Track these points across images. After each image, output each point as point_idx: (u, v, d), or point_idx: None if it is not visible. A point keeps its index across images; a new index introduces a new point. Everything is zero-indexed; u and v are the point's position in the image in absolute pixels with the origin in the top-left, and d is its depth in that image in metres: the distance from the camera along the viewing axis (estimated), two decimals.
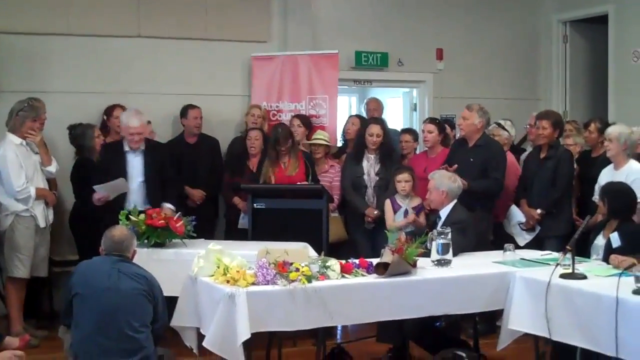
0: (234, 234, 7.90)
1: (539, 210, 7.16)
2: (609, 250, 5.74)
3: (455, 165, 6.96)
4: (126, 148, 7.26)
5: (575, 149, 7.76)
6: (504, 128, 8.00)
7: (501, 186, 7.22)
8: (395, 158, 7.77)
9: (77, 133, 7.70)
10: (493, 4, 10.53)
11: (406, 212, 7.17)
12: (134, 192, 7.20)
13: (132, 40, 8.76)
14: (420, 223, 7.03)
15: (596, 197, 6.58)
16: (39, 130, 7.19)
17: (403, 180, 7.16)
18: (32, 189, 6.96)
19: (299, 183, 7.56)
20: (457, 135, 8.63)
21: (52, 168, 7.34)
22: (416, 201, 7.20)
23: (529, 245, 7.05)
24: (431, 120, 8.13)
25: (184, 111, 8.53)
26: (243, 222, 7.93)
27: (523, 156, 8.07)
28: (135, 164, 7.25)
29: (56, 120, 7.70)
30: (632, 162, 6.74)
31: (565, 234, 7.02)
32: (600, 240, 6.00)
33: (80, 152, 7.68)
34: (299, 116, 8.50)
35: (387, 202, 7.28)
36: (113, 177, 7.06)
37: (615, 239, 5.77)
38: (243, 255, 5.33)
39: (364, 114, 9.36)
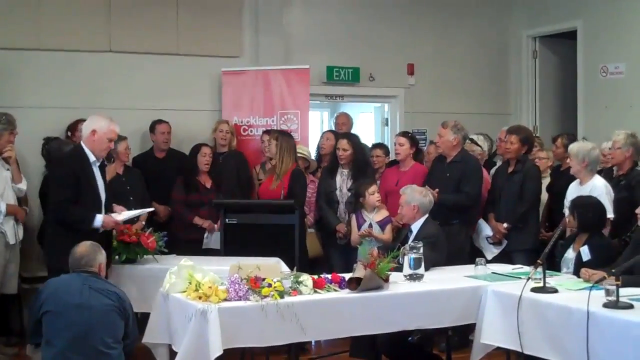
0: (197, 252, 7.56)
1: (505, 225, 7.21)
2: (579, 264, 5.79)
3: (437, 190, 6.96)
4: (92, 158, 6.14)
5: (547, 163, 7.84)
6: (476, 143, 8.05)
7: (473, 200, 7.26)
8: (369, 174, 7.76)
9: (53, 147, 7.57)
10: (463, 20, 10.62)
11: (371, 227, 7.19)
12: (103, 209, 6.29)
13: (103, 55, 8.74)
14: (380, 238, 7.06)
15: (566, 211, 6.63)
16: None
17: (376, 192, 7.20)
18: (2, 205, 6.89)
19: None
20: (425, 150, 8.67)
21: (23, 185, 7.28)
22: (381, 215, 7.21)
23: (496, 259, 7.08)
24: (403, 133, 8.17)
25: (152, 126, 8.54)
26: (207, 241, 7.82)
27: (492, 171, 8.12)
28: (99, 176, 6.25)
29: (26, 136, 7.62)
30: (596, 178, 6.79)
31: (531, 248, 7.08)
32: (570, 254, 6.05)
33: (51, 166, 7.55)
34: (269, 131, 8.38)
35: (353, 218, 7.33)
36: (87, 192, 6.07)
37: (586, 253, 5.83)
38: (215, 270, 5.32)
39: (334, 129, 9.38)
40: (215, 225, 7.72)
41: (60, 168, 6.25)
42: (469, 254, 6.33)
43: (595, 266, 5.51)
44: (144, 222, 7.45)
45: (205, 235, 7.84)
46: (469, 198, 7.22)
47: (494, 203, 7.41)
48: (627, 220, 6.64)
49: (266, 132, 8.42)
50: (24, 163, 7.80)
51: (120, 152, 7.75)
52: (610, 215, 6.50)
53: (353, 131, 9.07)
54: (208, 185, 7.90)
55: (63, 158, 6.52)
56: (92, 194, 6.08)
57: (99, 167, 6.21)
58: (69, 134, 8.17)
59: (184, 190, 7.88)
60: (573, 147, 6.89)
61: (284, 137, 7.77)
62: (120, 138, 7.78)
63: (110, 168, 7.62)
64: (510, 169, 7.36)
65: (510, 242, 7.26)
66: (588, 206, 6.06)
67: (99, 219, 5.98)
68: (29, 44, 8.39)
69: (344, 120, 9.39)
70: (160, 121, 8.52)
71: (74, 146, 6.49)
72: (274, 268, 5.44)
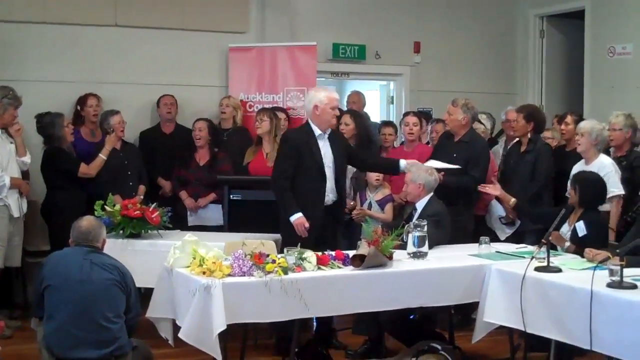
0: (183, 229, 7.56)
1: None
2: (575, 239, 5.81)
3: (443, 173, 6.90)
4: (318, 132, 6.35)
5: (552, 143, 7.78)
6: (479, 121, 8.00)
7: (477, 183, 7.07)
8: (373, 151, 7.74)
9: (46, 122, 7.51)
10: None
11: (370, 205, 7.19)
12: (328, 180, 6.35)
13: (109, 29, 8.70)
14: (377, 217, 7.07)
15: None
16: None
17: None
18: (6, 178, 6.89)
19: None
20: (430, 129, 8.61)
21: (27, 159, 7.30)
22: (382, 194, 7.21)
23: (509, 239, 7.05)
24: (414, 113, 8.15)
25: (159, 100, 8.58)
26: (192, 218, 7.89)
27: (494, 149, 8.07)
28: (327, 148, 6.37)
29: (30, 109, 7.60)
30: (603, 157, 6.78)
31: (545, 227, 7.04)
32: (565, 228, 6.03)
33: (49, 141, 7.52)
34: (263, 110, 8.13)
35: (357, 195, 7.36)
36: (310, 166, 6.24)
37: (581, 228, 5.85)
38: (219, 246, 5.33)
39: (346, 107, 9.35)
40: (202, 200, 7.84)
41: (284, 144, 6.47)
42: (474, 234, 6.30)
43: (591, 241, 5.56)
44: (142, 197, 7.46)
45: (189, 212, 7.89)
46: (475, 181, 7.05)
47: (505, 183, 7.34)
48: (629, 200, 6.67)
49: (260, 110, 8.21)
50: (27, 137, 7.79)
51: (114, 126, 7.69)
52: (621, 192, 6.52)
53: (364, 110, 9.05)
54: (203, 161, 7.92)
55: (289, 134, 6.74)
56: (316, 167, 6.28)
57: (330, 137, 6.41)
58: (78, 107, 8.19)
59: (178, 165, 8.04)
60: (586, 125, 6.85)
61: (277, 116, 7.84)
62: (114, 112, 7.78)
63: (111, 138, 7.62)
64: (522, 149, 7.30)
65: (523, 222, 7.19)
66: (589, 181, 6.08)
67: (296, 217, 6.12)
68: (34, 17, 8.36)
69: (355, 99, 9.40)
70: (165, 95, 8.60)
71: (305, 123, 6.58)
72: (270, 247, 5.48)
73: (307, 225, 6.10)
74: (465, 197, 7.11)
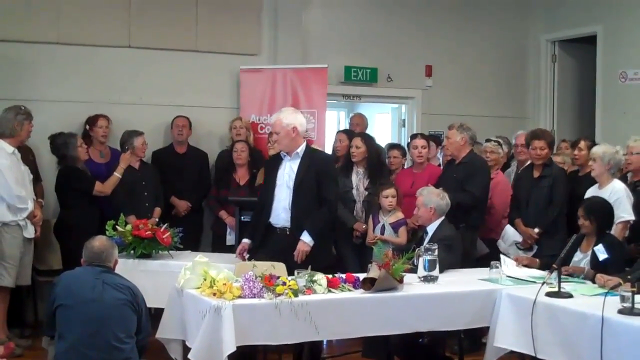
0: (221, 248, 7.81)
1: (537, 229, 7.10)
2: (595, 263, 5.79)
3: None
4: (282, 153, 6.41)
5: (563, 168, 7.77)
6: (500, 145, 8.02)
7: (476, 200, 7.16)
8: (385, 174, 7.76)
9: (60, 143, 7.57)
10: (482, 23, 10.60)
11: (383, 228, 7.19)
12: (280, 201, 6.32)
13: (122, 51, 8.74)
14: (392, 241, 7.05)
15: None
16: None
17: (390, 196, 7.18)
18: (30, 204, 6.92)
19: None
20: (441, 153, 8.64)
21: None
22: (395, 217, 7.20)
23: (527, 265, 6.99)
24: (422, 135, 8.16)
25: (173, 121, 8.60)
26: (230, 237, 7.90)
27: (507, 172, 8.07)
28: (284, 171, 6.32)
29: (43, 129, 7.63)
30: (616, 182, 6.75)
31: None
32: (578, 256, 6.00)
33: (63, 161, 7.56)
34: None
35: (370, 218, 7.34)
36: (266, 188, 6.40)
37: (602, 251, 5.79)
38: (229, 268, 5.33)
39: (349, 129, 9.37)
40: None
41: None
42: (488, 258, 6.26)
43: (612, 263, 5.55)
44: (157, 219, 7.48)
45: (228, 231, 7.92)
46: (473, 198, 7.13)
47: (519, 208, 7.31)
48: None
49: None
50: (39, 156, 7.86)
51: (137, 147, 7.78)
52: (630, 217, 6.49)
53: (368, 132, 9.05)
54: (243, 181, 8.01)
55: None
56: (267, 189, 6.42)
57: (304, 154, 6.32)
58: (87, 127, 8.21)
59: (217, 186, 8.19)
60: (598, 150, 6.84)
61: None
62: (138, 133, 7.84)
63: (125, 157, 7.65)
64: (536, 174, 7.28)
65: (540, 247, 7.09)
66: (603, 208, 6.05)
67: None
68: (48, 38, 8.40)
69: (358, 121, 9.40)
70: (179, 116, 8.63)
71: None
72: (280, 269, 5.47)
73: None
74: (466, 220, 7.09)
